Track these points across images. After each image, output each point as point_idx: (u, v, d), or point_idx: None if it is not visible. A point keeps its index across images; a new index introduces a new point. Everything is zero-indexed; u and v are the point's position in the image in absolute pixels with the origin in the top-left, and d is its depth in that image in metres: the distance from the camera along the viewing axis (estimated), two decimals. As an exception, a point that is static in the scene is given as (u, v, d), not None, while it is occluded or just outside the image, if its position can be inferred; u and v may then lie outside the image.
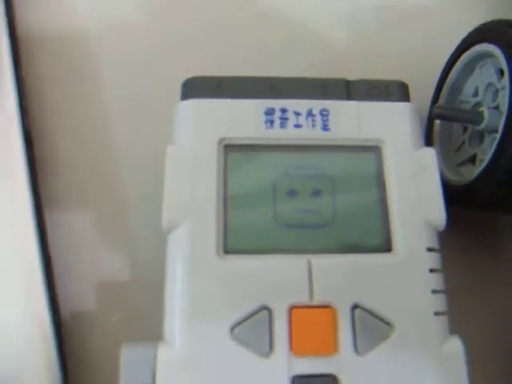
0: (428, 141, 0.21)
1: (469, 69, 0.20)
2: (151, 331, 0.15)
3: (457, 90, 0.21)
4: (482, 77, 0.19)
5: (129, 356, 0.13)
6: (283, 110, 0.16)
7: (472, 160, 0.20)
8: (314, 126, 0.16)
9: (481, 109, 0.19)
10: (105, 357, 0.17)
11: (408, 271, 0.15)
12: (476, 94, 0.20)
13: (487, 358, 0.18)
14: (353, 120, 0.16)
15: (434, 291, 0.15)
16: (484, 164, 0.17)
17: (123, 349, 0.14)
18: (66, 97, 0.21)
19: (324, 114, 0.16)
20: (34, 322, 0.18)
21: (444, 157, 0.21)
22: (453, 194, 0.19)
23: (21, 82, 0.20)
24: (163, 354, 0.14)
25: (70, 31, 0.22)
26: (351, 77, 0.18)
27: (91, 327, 0.19)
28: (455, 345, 0.14)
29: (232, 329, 0.14)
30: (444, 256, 0.16)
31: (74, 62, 0.22)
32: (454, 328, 0.15)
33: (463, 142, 0.20)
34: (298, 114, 0.16)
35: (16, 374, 0.18)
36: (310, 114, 0.16)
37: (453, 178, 0.20)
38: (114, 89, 0.21)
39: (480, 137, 0.19)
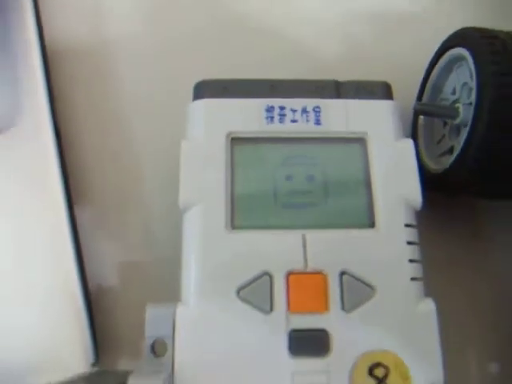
0: (413, 135, 0.24)
1: (447, 70, 0.22)
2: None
3: (438, 88, 0.23)
4: (458, 77, 0.22)
5: (153, 313, 0.16)
6: (281, 108, 0.19)
7: (451, 151, 0.22)
8: (308, 121, 0.19)
9: (457, 105, 0.21)
10: (129, 326, 0.20)
11: (388, 243, 0.17)
12: (454, 92, 0.22)
13: (462, 319, 0.21)
14: (341, 116, 0.19)
15: (411, 260, 0.17)
16: (456, 153, 0.20)
17: (148, 307, 0.16)
18: (90, 99, 0.24)
19: (316, 110, 0.19)
20: (67, 296, 0.20)
21: (427, 149, 0.23)
22: (434, 182, 0.22)
23: (52, 92, 0.22)
24: (181, 311, 0.16)
25: (93, 39, 0.25)
26: (344, 78, 0.20)
27: (116, 300, 0.21)
28: (428, 305, 0.17)
29: (238, 291, 0.16)
30: (424, 235, 0.18)
31: (97, 67, 0.24)
32: (433, 293, 0.17)
33: (443, 135, 0.23)
34: (294, 110, 0.19)
35: (52, 344, 0.20)
36: (304, 110, 0.19)
37: (434, 167, 0.22)
38: (133, 90, 0.24)
39: (457, 130, 0.22)
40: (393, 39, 0.25)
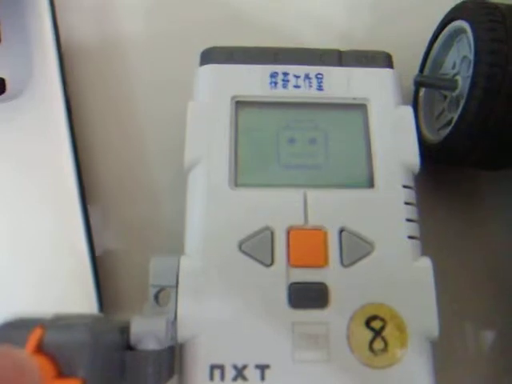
0: (414, 108, 0.24)
1: (448, 44, 0.22)
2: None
3: (439, 63, 0.23)
4: (459, 51, 0.22)
5: (157, 263, 0.17)
6: (285, 74, 0.19)
7: (450, 124, 0.22)
8: (310, 86, 0.19)
9: (456, 77, 0.22)
10: (133, 288, 0.21)
11: (387, 203, 0.18)
12: (454, 66, 0.23)
13: (459, 277, 0.21)
14: (343, 82, 0.19)
15: (408, 219, 0.18)
16: (453, 123, 0.20)
17: (153, 258, 0.17)
18: (105, 98, 0.24)
19: (319, 77, 0.19)
20: (75, 255, 0.21)
21: (427, 122, 0.24)
22: (433, 152, 0.22)
23: (67, 90, 0.23)
24: (184, 262, 0.17)
25: (106, 39, 0.25)
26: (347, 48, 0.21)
27: (121, 263, 0.22)
28: (425, 263, 0.17)
29: (240, 245, 0.17)
30: (425, 204, 0.19)
31: (112, 65, 0.24)
32: (431, 253, 0.18)
33: (443, 108, 0.23)
34: (297, 76, 0.19)
35: (60, 301, 0.21)
36: (307, 77, 0.19)
37: (434, 139, 0.23)
38: (143, 73, 0.24)
39: (456, 103, 0.22)
40: (396, 14, 0.26)
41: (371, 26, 0.25)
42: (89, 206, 0.22)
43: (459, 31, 0.22)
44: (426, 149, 0.23)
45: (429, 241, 0.18)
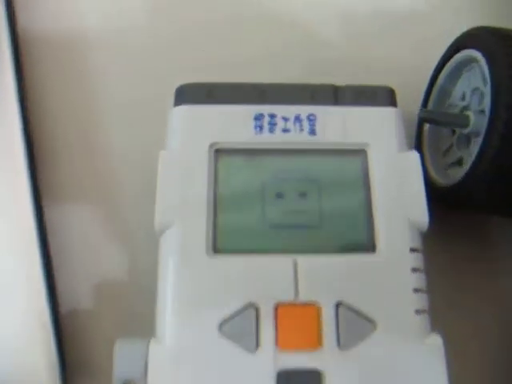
0: (417, 144, 0.22)
1: (456, 74, 0.20)
2: (146, 330, 0.16)
3: (445, 94, 0.21)
4: (469, 81, 0.20)
5: (122, 350, 0.14)
6: (272, 116, 0.17)
7: (459, 162, 0.20)
8: (301, 130, 0.17)
9: (467, 112, 0.19)
10: (101, 352, 0.18)
11: (391, 271, 0.15)
12: (463, 98, 0.20)
13: (468, 351, 0.19)
14: (339, 124, 0.17)
15: (416, 290, 0.15)
16: (468, 166, 0.18)
17: (117, 343, 0.14)
18: (65, 95, 0.22)
19: (311, 118, 0.17)
20: (35, 316, 0.19)
21: (433, 160, 0.21)
22: (441, 196, 0.20)
23: (21, 81, 0.20)
24: (154, 349, 0.14)
25: (70, 31, 0.23)
26: (343, 82, 0.18)
27: (89, 324, 0.19)
28: (435, 342, 0.15)
29: (220, 325, 0.14)
30: (431, 256, 0.16)
31: (73, 60, 0.22)
32: (438, 323, 0.16)
33: (451, 145, 0.21)
34: (286, 119, 0.17)
35: (17, 367, 0.18)
36: (297, 119, 0.17)
37: (441, 180, 0.20)
38: (112, 89, 0.22)
39: (467, 140, 0.20)
40: (395, 39, 0.23)
41: (367, 54, 0.23)
42: (52, 256, 0.20)
43: (470, 60, 0.19)
44: (432, 192, 0.20)
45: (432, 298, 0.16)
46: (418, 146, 0.22)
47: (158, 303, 0.15)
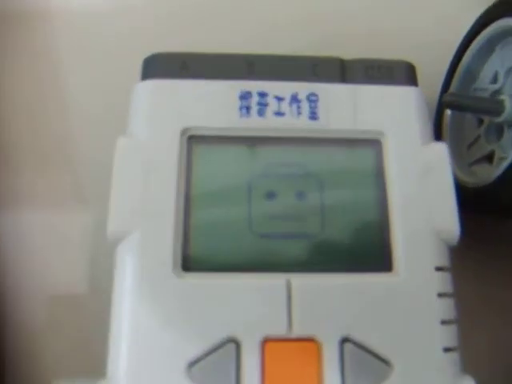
0: (436, 135, 0.19)
1: (487, 50, 0.17)
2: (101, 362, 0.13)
3: (472, 75, 0.18)
4: (503, 59, 0.17)
5: (57, 400, 0.11)
6: (262, 94, 0.13)
7: (489, 158, 0.17)
8: (299, 113, 0.13)
9: (501, 97, 0.16)
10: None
11: (412, 296, 0.12)
12: (495, 80, 0.17)
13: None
14: (347, 107, 0.13)
15: (444, 321, 0.12)
16: (506, 163, 0.14)
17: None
18: (21, 87, 0.19)
19: (312, 99, 0.13)
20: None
21: (455, 154, 0.18)
22: (466, 198, 0.17)
23: None
24: (102, 398, 0.11)
25: (32, 8, 0.20)
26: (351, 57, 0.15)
27: (37, 350, 0.16)
28: (469, 388, 0.12)
29: (190, 367, 0.11)
30: (454, 275, 0.13)
31: (33, 42, 0.19)
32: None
33: (478, 136, 0.18)
34: (280, 99, 0.13)
35: None
36: (294, 99, 0.13)
37: (466, 179, 0.17)
38: (73, 64, 0.19)
39: (498, 131, 0.17)
40: (413, 11, 0.20)
41: (381, 28, 0.19)
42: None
43: (505, 33, 0.16)
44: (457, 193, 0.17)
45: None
46: (437, 138, 0.18)
47: (112, 334, 0.12)
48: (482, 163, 0.17)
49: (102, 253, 0.17)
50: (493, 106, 0.16)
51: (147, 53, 0.15)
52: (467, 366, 0.12)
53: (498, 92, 0.17)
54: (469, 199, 0.17)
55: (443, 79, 0.19)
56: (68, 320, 0.16)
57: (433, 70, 0.19)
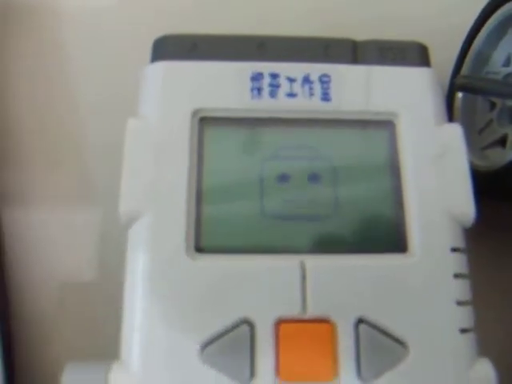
0: (448, 119, 0.18)
1: (500, 32, 0.17)
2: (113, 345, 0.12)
3: (484, 58, 0.18)
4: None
5: (71, 379, 0.11)
6: (274, 76, 0.13)
7: (502, 142, 0.17)
8: (311, 95, 0.13)
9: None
10: (59, 370, 0.15)
11: (427, 276, 0.12)
12: (507, 63, 0.17)
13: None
14: (360, 88, 0.13)
15: (460, 302, 0.12)
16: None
17: (66, 369, 0.11)
18: (30, 83, 0.18)
19: (324, 80, 0.13)
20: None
21: (467, 138, 0.17)
22: (479, 182, 0.16)
23: None
24: (116, 377, 0.11)
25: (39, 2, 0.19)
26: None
27: (48, 335, 0.16)
28: (485, 369, 0.11)
29: (203, 348, 0.11)
30: (470, 259, 0.13)
31: (40, 38, 0.19)
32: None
33: (490, 120, 0.17)
34: (291, 80, 0.13)
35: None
36: (306, 80, 0.13)
37: (478, 162, 0.17)
38: (83, 68, 0.18)
39: (511, 114, 0.16)
40: None
41: (392, 12, 0.19)
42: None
43: (521, 14, 0.16)
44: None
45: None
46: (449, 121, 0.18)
47: (125, 316, 0.12)
48: (494, 147, 0.17)
49: (110, 242, 0.17)
50: (506, 88, 0.16)
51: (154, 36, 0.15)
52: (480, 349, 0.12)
53: (510, 75, 0.17)
54: (481, 183, 0.16)
55: (454, 63, 0.19)
56: (77, 306, 0.17)
57: (444, 54, 0.19)
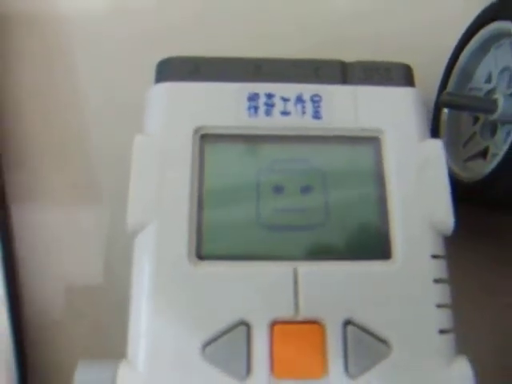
0: (434, 132, 0.19)
1: (482, 51, 0.18)
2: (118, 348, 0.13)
3: (467, 75, 0.19)
4: (497, 60, 0.17)
5: (84, 375, 0.12)
6: (269, 96, 0.14)
7: (483, 154, 0.18)
8: (303, 113, 0.14)
9: (495, 96, 0.17)
10: (69, 370, 0.16)
11: (409, 281, 0.13)
12: (489, 80, 0.18)
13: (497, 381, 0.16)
14: (349, 107, 0.14)
15: (439, 305, 0.13)
16: (498, 158, 0.15)
17: (78, 367, 0.12)
18: (37, 76, 0.19)
19: (315, 100, 0.14)
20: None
21: (452, 150, 0.19)
22: (462, 192, 0.17)
23: None
24: (124, 375, 0.12)
25: (45, 10, 0.20)
26: (350, 59, 0.16)
27: (57, 336, 0.17)
28: (463, 367, 0.12)
29: (204, 347, 0.12)
30: (450, 264, 0.14)
31: (47, 44, 0.20)
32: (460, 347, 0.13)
33: (474, 133, 0.18)
34: (285, 99, 0.14)
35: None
36: (299, 99, 0.14)
37: (462, 173, 0.18)
38: (88, 69, 0.19)
39: (493, 128, 0.17)
40: (410, 12, 0.21)
41: (380, 31, 0.20)
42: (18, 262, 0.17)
43: (500, 35, 0.17)
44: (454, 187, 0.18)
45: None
46: (435, 135, 0.19)
47: (131, 319, 0.13)
48: (477, 159, 0.18)
49: (116, 245, 0.18)
50: (487, 104, 0.16)
51: (156, 53, 0.16)
52: (468, 350, 0.13)
53: (492, 91, 0.18)
54: (464, 193, 0.18)
55: (441, 79, 0.20)
56: (85, 309, 0.17)
57: (431, 71, 0.20)
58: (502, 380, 0.17)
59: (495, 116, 0.16)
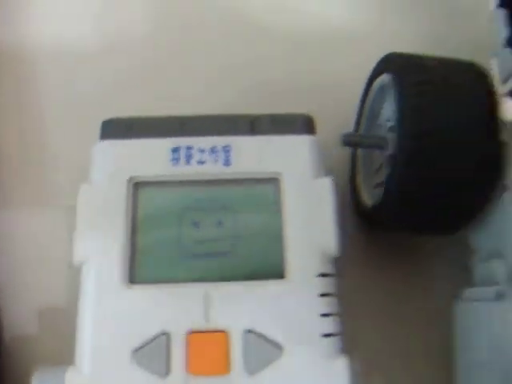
0: (353, 166, 0.22)
1: (381, 95, 0.21)
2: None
3: (375, 113, 0.21)
4: (391, 104, 0.20)
5: (39, 381, 0.15)
6: (189, 148, 0.18)
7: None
8: (216, 161, 0.17)
9: (390, 134, 0.20)
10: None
11: (298, 296, 0.16)
12: (389, 119, 0.21)
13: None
14: (253, 154, 0.17)
15: (324, 314, 0.16)
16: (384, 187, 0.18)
17: (35, 373, 0.15)
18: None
19: (227, 149, 0.18)
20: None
21: (366, 180, 0.22)
22: (368, 217, 0.21)
23: None
24: (71, 378, 0.15)
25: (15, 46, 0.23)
26: (280, 108, 0.19)
27: (32, 351, 0.20)
28: (341, 364, 0.15)
29: (133, 353, 0.15)
30: (361, 277, 0.17)
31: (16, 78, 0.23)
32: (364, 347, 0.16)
33: (381, 164, 0.21)
34: (202, 150, 0.17)
35: None
36: (213, 150, 0.17)
37: (368, 200, 0.21)
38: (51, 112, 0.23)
39: (392, 159, 0.20)
40: (325, 63, 0.24)
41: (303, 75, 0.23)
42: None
43: (388, 84, 0.20)
44: (362, 211, 0.21)
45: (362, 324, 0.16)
46: (353, 170, 0.22)
47: (78, 331, 0.16)
48: (380, 187, 0.21)
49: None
50: (378, 141, 0.19)
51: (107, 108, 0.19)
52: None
53: (392, 128, 0.20)
54: (370, 218, 0.21)
55: (355, 119, 0.23)
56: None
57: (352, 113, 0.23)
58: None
59: (388, 152, 0.19)
